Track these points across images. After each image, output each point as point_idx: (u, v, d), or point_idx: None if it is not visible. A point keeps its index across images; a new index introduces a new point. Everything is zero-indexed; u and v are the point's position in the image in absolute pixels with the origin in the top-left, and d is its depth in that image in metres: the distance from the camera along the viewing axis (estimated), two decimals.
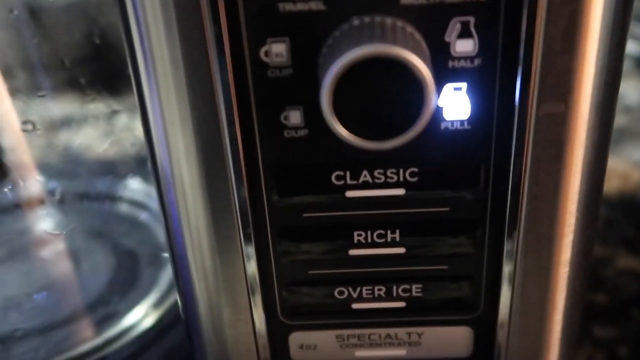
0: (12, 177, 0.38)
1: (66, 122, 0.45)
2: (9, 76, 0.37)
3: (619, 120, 0.55)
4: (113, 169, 0.46)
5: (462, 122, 0.21)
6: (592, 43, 0.20)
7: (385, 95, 0.19)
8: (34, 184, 0.39)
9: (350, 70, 0.18)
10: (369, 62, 0.18)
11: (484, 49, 0.20)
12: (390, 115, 0.19)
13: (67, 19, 0.40)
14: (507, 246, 0.23)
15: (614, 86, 0.21)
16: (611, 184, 0.48)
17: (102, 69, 0.44)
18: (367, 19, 0.19)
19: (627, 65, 0.61)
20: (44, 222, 0.40)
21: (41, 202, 0.40)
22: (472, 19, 0.20)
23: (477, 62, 0.20)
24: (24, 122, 0.36)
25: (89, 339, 0.34)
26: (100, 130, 0.48)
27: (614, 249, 0.42)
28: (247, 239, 0.23)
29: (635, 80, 0.62)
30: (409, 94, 0.19)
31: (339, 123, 0.19)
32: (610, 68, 0.21)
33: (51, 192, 0.40)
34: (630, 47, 0.61)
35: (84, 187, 0.44)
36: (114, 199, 0.44)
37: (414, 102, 0.19)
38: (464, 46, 0.20)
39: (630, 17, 0.21)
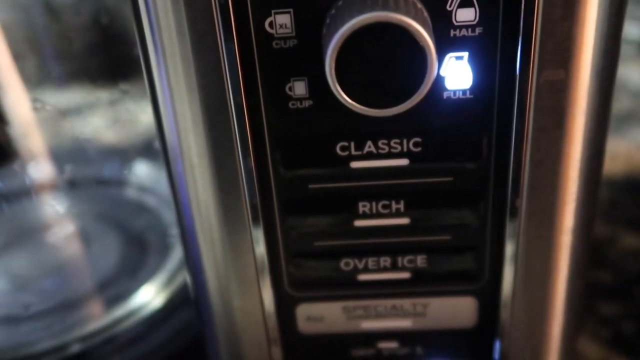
0: (23, 161, 0.39)
1: (75, 108, 0.45)
2: (18, 61, 0.38)
3: (624, 104, 0.55)
4: (121, 154, 0.47)
5: (464, 91, 0.22)
6: (591, 9, 0.20)
7: (388, 62, 0.19)
8: (44, 168, 0.40)
9: (353, 38, 0.19)
10: (372, 29, 0.19)
11: (485, 17, 0.20)
12: (393, 82, 0.19)
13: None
14: (509, 215, 0.23)
15: (613, 52, 0.21)
16: (616, 166, 0.48)
17: (110, 53, 0.44)
18: None
19: (629, 50, 0.61)
20: (54, 205, 0.40)
21: (51, 186, 0.40)
22: None
23: (478, 30, 0.21)
24: (34, 101, 0.36)
25: (98, 319, 0.35)
26: (109, 115, 0.49)
27: (619, 229, 0.43)
28: (254, 210, 0.24)
29: (638, 64, 0.62)
30: (411, 60, 0.19)
31: (342, 90, 0.19)
32: (610, 34, 0.21)
33: (61, 177, 0.40)
34: (633, 31, 0.61)
35: (93, 171, 0.45)
36: (121, 183, 0.45)
37: (416, 69, 0.19)
38: (465, 15, 0.20)
39: None
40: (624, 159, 0.49)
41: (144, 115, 0.46)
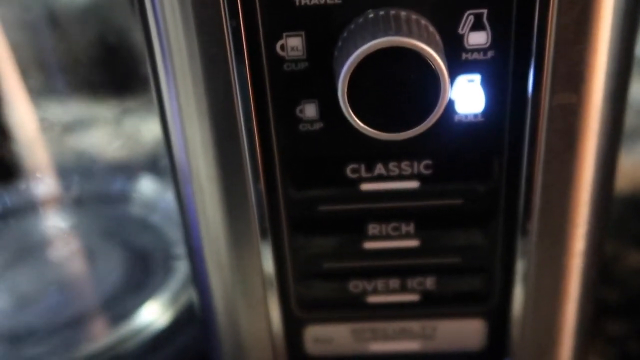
0: (28, 178, 0.39)
1: (80, 123, 0.45)
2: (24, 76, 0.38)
3: (628, 120, 0.55)
4: (126, 170, 0.47)
5: (475, 114, 0.21)
6: (604, 32, 0.20)
7: (401, 86, 0.19)
8: (48, 184, 0.40)
9: (366, 62, 0.19)
10: (385, 53, 0.19)
11: (497, 40, 0.20)
12: (405, 106, 0.19)
13: (82, 20, 0.41)
14: (520, 237, 0.23)
15: (626, 75, 0.21)
16: (622, 182, 0.48)
17: (115, 69, 0.44)
18: (381, 12, 0.20)
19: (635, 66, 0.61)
20: (58, 222, 0.40)
21: (55, 202, 0.40)
22: (485, 11, 0.20)
23: (490, 54, 0.21)
24: (40, 119, 0.36)
25: (101, 337, 0.35)
26: (114, 131, 0.49)
27: (625, 246, 0.42)
28: (263, 231, 0.23)
29: None
30: (424, 84, 0.19)
31: (354, 114, 0.19)
32: (622, 57, 0.21)
33: (65, 193, 0.40)
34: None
35: (97, 187, 0.45)
36: (126, 200, 0.44)
37: (428, 93, 0.19)
38: (477, 38, 0.20)
39: None
40: (630, 175, 0.49)
41: (149, 132, 0.46)
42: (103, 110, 0.46)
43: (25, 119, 0.37)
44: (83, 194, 0.43)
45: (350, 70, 0.18)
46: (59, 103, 0.44)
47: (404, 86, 0.19)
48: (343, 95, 0.19)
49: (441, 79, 0.19)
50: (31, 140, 0.37)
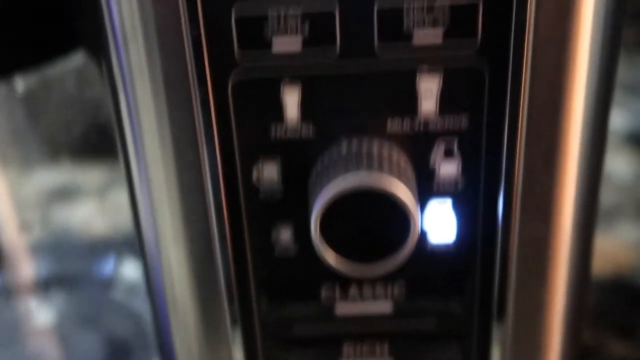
0: (5, 264, 0.38)
1: (61, 197, 0.45)
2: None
3: (609, 198, 0.55)
4: (108, 250, 0.46)
5: (447, 241, 0.22)
6: (571, 165, 0.21)
7: (372, 223, 0.19)
8: (26, 270, 0.39)
9: (338, 201, 0.19)
10: (355, 193, 0.19)
11: (467, 172, 0.21)
12: (376, 243, 0.20)
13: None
14: (494, 357, 0.24)
15: (593, 205, 0.22)
16: (602, 266, 0.48)
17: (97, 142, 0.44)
18: (354, 147, 0.20)
19: (614, 140, 0.61)
20: (36, 309, 0.40)
21: (33, 289, 0.40)
22: (455, 142, 0.21)
23: (460, 184, 0.21)
24: (23, 223, 0.37)
25: None
26: (97, 207, 0.49)
27: (607, 336, 0.42)
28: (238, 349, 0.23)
29: (625, 155, 0.63)
30: (394, 223, 0.19)
31: (328, 250, 0.20)
32: (590, 187, 0.21)
33: (43, 279, 0.40)
34: (619, 121, 0.62)
35: (79, 269, 0.45)
36: (109, 283, 0.44)
37: (398, 231, 0.19)
38: (448, 169, 0.21)
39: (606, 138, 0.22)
40: (611, 258, 0.49)
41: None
42: (87, 184, 0.46)
43: (5, 211, 0.37)
44: (64, 276, 0.43)
45: (322, 212, 0.19)
46: (40, 177, 0.44)
47: (374, 224, 0.19)
48: (317, 234, 0.19)
49: (410, 219, 0.19)
50: (11, 230, 0.37)
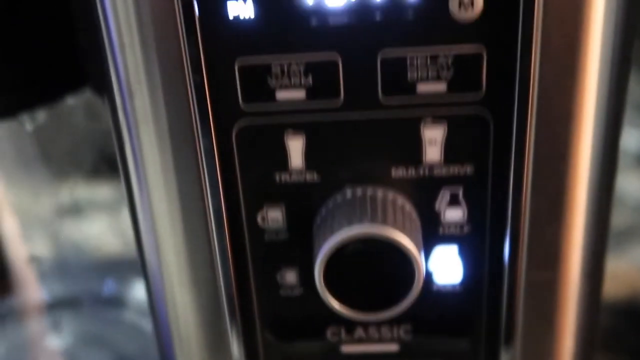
0: (15, 288, 0.39)
1: (71, 218, 0.46)
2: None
3: (622, 219, 0.54)
4: (120, 270, 0.47)
5: (453, 284, 0.22)
6: (579, 212, 0.20)
7: (376, 270, 0.19)
8: (35, 294, 0.40)
9: (342, 248, 0.19)
10: (359, 241, 0.19)
11: (473, 217, 0.21)
12: (380, 289, 0.19)
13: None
14: None
15: (602, 251, 0.22)
16: (616, 289, 0.47)
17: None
18: (359, 193, 0.20)
19: (627, 161, 0.60)
20: (46, 332, 0.40)
21: (43, 311, 0.40)
22: (460, 189, 0.21)
23: (466, 229, 0.21)
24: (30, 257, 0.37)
25: None
26: (108, 229, 0.49)
27: (619, 359, 0.42)
28: None
29: (637, 176, 0.62)
30: (398, 270, 0.19)
31: (332, 297, 0.20)
32: (599, 234, 0.21)
33: (52, 301, 0.40)
34: (631, 140, 0.61)
35: (89, 288, 0.45)
36: (120, 303, 0.44)
37: (403, 278, 0.19)
38: (454, 214, 0.21)
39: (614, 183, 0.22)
40: (624, 281, 0.49)
41: None
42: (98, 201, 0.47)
43: (14, 238, 0.37)
44: (75, 296, 0.43)
45: (326, 260, 0.19)
46: (50, 200, 0.44)
47: (379, 271, 0.19)
48: (320, 281, 0.19)
49: (415, 266, 0.19)
50: (20, 253, 0.38)
